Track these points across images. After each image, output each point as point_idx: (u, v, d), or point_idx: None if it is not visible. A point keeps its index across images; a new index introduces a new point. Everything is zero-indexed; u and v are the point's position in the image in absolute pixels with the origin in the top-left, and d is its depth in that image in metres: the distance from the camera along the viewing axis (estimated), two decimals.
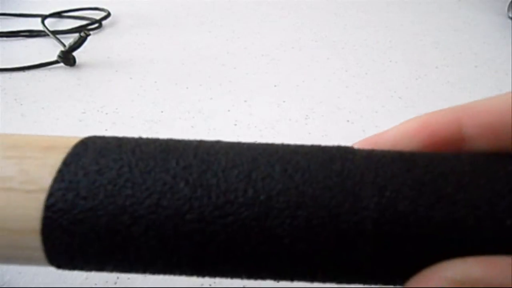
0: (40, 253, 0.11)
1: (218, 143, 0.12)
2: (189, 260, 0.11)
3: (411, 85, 0.47)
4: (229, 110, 0.43)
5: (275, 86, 0.47)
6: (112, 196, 0.10)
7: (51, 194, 0.11)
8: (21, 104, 0.44)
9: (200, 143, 0.12)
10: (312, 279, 0.11)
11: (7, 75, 0.50)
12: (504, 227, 0.10)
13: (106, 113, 0.42)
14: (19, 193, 0.11)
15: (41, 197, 0.11)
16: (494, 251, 0.10)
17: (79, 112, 0.43)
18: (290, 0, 0.76)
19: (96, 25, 0.63)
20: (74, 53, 0.51)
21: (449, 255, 0.10)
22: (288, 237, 0.10)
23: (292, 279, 0.11)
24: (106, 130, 0.40)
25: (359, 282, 0.11)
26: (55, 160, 0.11)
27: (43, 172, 0.11)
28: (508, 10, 0.67)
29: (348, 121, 0.41)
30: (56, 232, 0.11)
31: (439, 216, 0.10)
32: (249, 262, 0.11)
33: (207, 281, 0.26)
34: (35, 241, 0.11)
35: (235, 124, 0.40)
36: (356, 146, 0.14)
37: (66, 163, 0.11)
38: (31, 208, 0.11)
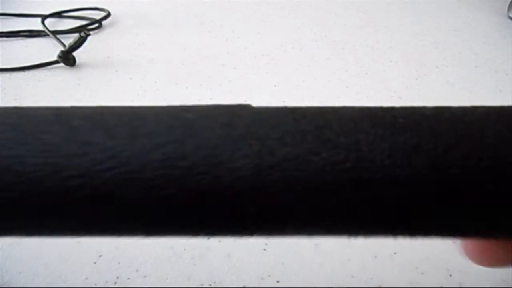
0: None
1: (116, 107, 0.12)
2: (75, 217, 0.11)
3: (411, 85, 0.47)
4: None
5: (275, 86, 0.47)
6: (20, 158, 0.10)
7: None
8: (21, 104, 0.44)
9: (94, 109, 0.12)
10: (194, 229, 0.11)
11: (7, 75, 0.50)
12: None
13: None
14: None
15: None
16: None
17: None
18: (290, 0, 0.76)
19: (96, 25, 0.63)
20: (74, 53, 0.51)
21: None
22: (168, 188, 0.10)
23: (176, 230, 0.11)
24: None
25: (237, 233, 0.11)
26: None
27: None
28: (508, 10, 0.67)
29: None
30: None
31: (318, 160, 0.11)
32: (132, 215, 0.11)
33: (207, 281, 0.26)
34: None
35: None
36: None
37: None
38: None
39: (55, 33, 0.58)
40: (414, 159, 0.11)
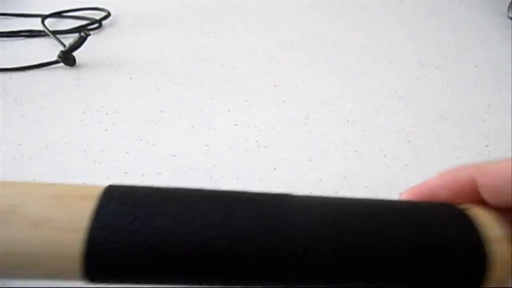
0: (78, 276, 0.15)
1: (200, 191, 0.17)
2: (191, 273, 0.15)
3: (411, 85, 0.47)
4: (229, 110, 0.43)
5: (275, 86, 0.47)
6: (133, 233, 0.15)
7: (90, 231, 0.14)
8: (21, 104, 0.44)
9: (189, 191, 0.16)
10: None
11: (7, 75, 0.50)
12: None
13: (106, 113, 0.42)
14: (64, 231, 0.15)
15: (81, 234, 0.14)
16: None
17: (79, 112, 0.43)
18: (290, 0, 0.76)
19: (96, 25, 0.63)
20: (74, 53, 0.51)
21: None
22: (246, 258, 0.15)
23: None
24: (106, 130, 0.40)
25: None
26: (90, 205, 0.15)
27: (82, 215, 0.15)
28: (508, 10, 0.67)
29: (348, 121, 0.41)
30: (95, 259, 0.14)
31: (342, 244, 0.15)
32: (227, 273, 0.15)
33: None
34: (76, 268, 0.14)
35: (235, 124, 0.40)
36: (402, 197, 0.18)
37: (98, 209, 0.15)
38: (74, 241, 0.14)
39: (55, 33, 0.58)
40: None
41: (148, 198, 0.16)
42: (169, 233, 0.15)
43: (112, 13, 0.67)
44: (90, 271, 0.15)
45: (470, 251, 0.15)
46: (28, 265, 0.15)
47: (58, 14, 0.66)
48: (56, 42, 0.56)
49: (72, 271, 0.15)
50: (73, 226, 0.15)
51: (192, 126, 0.40)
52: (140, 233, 0.15)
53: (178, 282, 0.16)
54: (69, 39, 0.52)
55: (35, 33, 0.60)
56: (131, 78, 0.49)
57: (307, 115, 0.42)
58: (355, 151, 0.37)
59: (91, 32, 0.57)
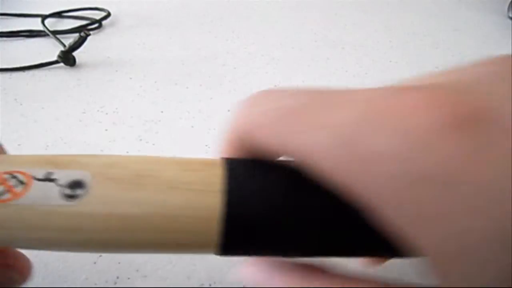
0: (213, 240, 0.14)
1: None
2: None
3: None
4: (229, 110, 0.43)
5: (275, 86, 0.47)
6: (269, 194, 0.15)
7: (227, 193, 0.14)
8: (21, 104, 0.44)
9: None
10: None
11: (7, 75, 0.50)
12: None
13: (106, 113, 0.42)
14: (201, 193, 0.15)
15: (218, 195, 0.14)
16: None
17: (79, 112, 0.43)
18: (290, 0, 0.76)
19: (96, 25, 0.63)
20: (74, 53, 0.51)
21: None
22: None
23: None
24: (106, 130, 0.40)
25: None
26: (218, 171, 0.15)
27: (215, 178, 0.15)
28: (508, 10, 0.67)
29: None
30: (233, 224, 0.14)
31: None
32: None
33: (207, 281, 0.26)
34: (212, 231, 0.14)
35: None
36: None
37: (228, 172, 0.15)
38: (213, 202, 0.14)
39: (55, 33, 0.58)
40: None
41: (261, 167, 0.16)
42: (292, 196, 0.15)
43: (112, 13, 0.67)
44: (229, 233, 0.14)
45: None
46: (162, 229, 0.14)
47: (58, 14, 0.66)
48: (56, 42, 0.56)
49: (208, 234, 0.14)
50: (209, 188, 0.15)
51: (192, 126, 0.40)
52: (274, 194, 0.14)
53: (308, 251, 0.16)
54: (69, 39, 0.52)
55: (35, 33, 0.60)
56: (131, 78, 0.49)
57: None
58: None
59: (91, 32, 0.57)
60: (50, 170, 0.15)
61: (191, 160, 0.17)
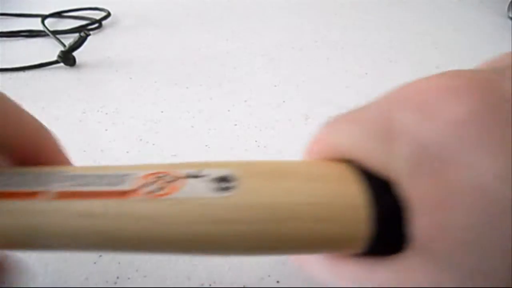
0: (362, 234, 0.14)
1: None
2: None
3: None
4: (229, 110, 0.43)
5: (275, 86, 0.47)
6: None
7: (367, 182, 0.15)
8: (21, 104, 0.44)
9: None
10: None
11: (7, 75, 0.50)
12: None
13: (106, 113, 0.42)
14: (342, 183, 0.15)
15: (361, 186, 0.15)
16: None
17: (79, 112, 0.43)
18: (290, 0, 0.76)
19: (96, 25, 0.63)
20: (74, 53, 0.51)
21: None
22: None
23: None
24: (106, 130, 0.40)
25: None
26: (346, 167, 0.16)
27: (348, 172, 0.15)
28: (508, 10, 0.67)
29: None
30: (382, 214, 0.14)
31: None
32: None
33: (207, 281, 0.26)
34: (362, 223, 0.14)
35: (235, 124, 0.40)
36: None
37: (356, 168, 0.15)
38: (357, 192, 0.15)
39: (55, 33, 0.58)
40: None
41: None
42: None
43: (112, 13, 0.67)
44: (379, 222, 0.14)
45: None
46: (312, 217, 0.14)
47: (58, 14, 0.66)
48: (56, 42, 0.56)
49: (358, 224, 0.14)
50: (348, 178, 0.15)
51: (192, 126, 0.40)
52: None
53: None
54: (69, 39, 0.52)
55: (35, 33, 0.60)
56: (131, 78, 0.49)
57: (307, 115, 0.42)
58: None
59: (91, 32, 0.57)
60: (193, 170, 0.15)
61: (315, 161, 0.17)
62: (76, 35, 0.51)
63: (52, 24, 0.63)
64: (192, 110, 0.43)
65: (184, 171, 0.15)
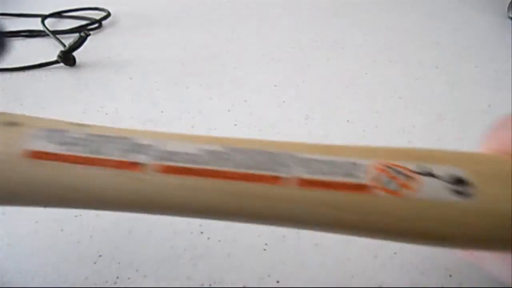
0: None
1: None
2: None
3: (411, 85, 0.47)
4: (229, 110, 0.43)
5: (275, 86, 0.47)
6: None
7: None
8: (21, 104, 0.44)
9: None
10: None
11: (7, 75, 0.50)
12: None
13: (106, 113, 0.42)
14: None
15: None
16: None
17: (79, 112, 0.43)
18: (290, 0, 0.76)
19: (96, 25, 0.63)
20: (74, 53, 0.51)
21: None
22: None
23: None
24: None
25: None
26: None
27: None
28: (508, 10, 0.67)
29: (348, 121, 0.41)
30: None
31: None
32: None
33: (207, 281, 0.26)
34: None
35: (235, 124, 0.40)
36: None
37: None
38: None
39: (55, 33, 0.58)
40: None
41: None
42: None
43: (112, 13, 0.67)
44: None
45: None
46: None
47: (58, 14, 0.66)
48: (56, 42, 0.56)
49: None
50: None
51: (192, 126, 0.40)
52: None
53: None
54: (69, 39, 0.52)
55: (35, 33, 0.60)
56: (131, 78, 0.49)
57: (307, 115, 0.42)
58: None
59: (91, 32, 0.57)
60: (424, 165, 0.16)
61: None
62: (76, 35, 0.51)
63: (52, 24, 0.63)
64: (192, 110, 0.43)
65: (414, 165, 0.16)
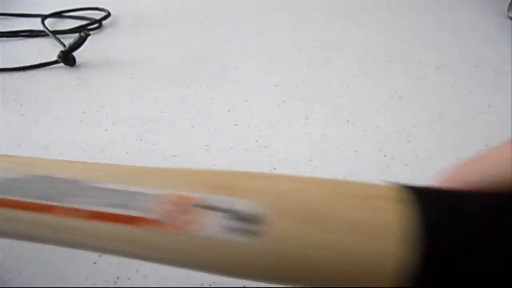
0: None
1: None
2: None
3: (411, 85, 0.47)
4: (229, 110, 0.43)
5: (275, 86, 0.47)
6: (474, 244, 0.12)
7: (424, 242, 0.12)
8: (21, 104, 0.44)
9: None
10: None
11: (7, 75, 0.50)
12: None
13: (106, 113, 0.42)
14: (390, 240, 0.13)
15: (408, 242, 0.12)
16: None
17: (79, 112, 0.43)
18: (290, 0, 0.76)
19: (96, 25, 0.63)
20: (74, 53, 0.51)
21: None
22: None
23: None
24: (106, 130, 0.40)
25: None
26: (407, 210, 0.13)
27: (395, 219, 0.13)
28: (508, 10, 0.67)
29: (348, 121, 0.41)
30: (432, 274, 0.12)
31: None
32: None
33: (207, 281, 0.26)
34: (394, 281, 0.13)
35: (235, 124, 0.40)
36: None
37: (420, 213, 0.13)
38: (397, 250, 0.12)
39: (55, 33, 0.58)
40: None
41: (451, 199, 0.14)
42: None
43: (112, 13, 0.67)
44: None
45: None
46: (341, 274, 0.13)
47: (58, 14, 0.66)
48: (56, 42, 0.56)
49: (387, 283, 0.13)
50: (389, 231, 0.13)
51: (192, 126, 0.40)
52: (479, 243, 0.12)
53: None
54: (69, 39, 0.52)
55: (35, 33, 0.60)
56: (131, 78, 0.49)
57: (307, 115, 0.42)
58: (355, 151, 0.37)
59: (91, 32, 0.57)
60: (216, 197, 0.14)
61: (369, 189, 0.15)
62: (76, 35, 0.51)
63: (52, 24, 0.63)
64: (192, 110, 0.43)
65: (205, 197, 0.14)
